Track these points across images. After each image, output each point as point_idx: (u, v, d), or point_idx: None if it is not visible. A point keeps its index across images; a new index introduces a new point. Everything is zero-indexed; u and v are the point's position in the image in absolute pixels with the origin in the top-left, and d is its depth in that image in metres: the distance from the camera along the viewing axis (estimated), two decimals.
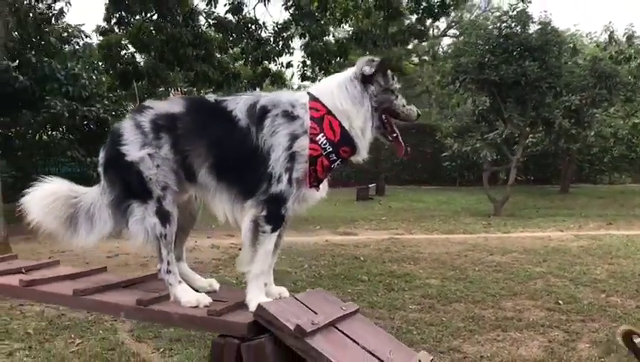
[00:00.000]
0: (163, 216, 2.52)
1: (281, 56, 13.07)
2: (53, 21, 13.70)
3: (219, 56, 13.50)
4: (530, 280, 8.54)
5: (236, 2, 12.49)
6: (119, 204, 2.57)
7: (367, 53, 13.95)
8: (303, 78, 13.29)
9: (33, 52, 14.57)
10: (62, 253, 11.74)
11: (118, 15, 12.90)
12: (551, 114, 16.73)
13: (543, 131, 19.48)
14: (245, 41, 12.88)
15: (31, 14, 12.58)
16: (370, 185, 24.86)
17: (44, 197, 2.67)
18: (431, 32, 36.11)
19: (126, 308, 2.46)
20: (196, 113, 2.58)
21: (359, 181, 28.11)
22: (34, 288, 2.71)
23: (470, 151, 17.25)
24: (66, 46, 16.37)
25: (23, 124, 15.58)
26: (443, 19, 31.32)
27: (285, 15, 12.76)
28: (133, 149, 2.54)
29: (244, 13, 12.72)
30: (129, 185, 2.54)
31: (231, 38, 13.16)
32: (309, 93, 2.60)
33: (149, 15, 12.37)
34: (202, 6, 12.76)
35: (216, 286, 2.77)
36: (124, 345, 6.12)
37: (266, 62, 13.20)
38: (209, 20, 12.97)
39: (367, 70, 2.55)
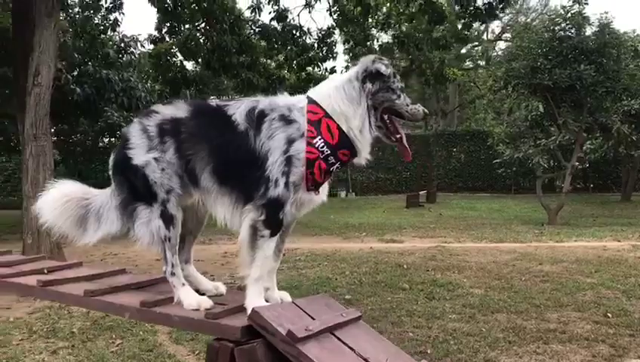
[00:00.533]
0: (167, 219, 2.56)
1: (325, 61, 13.14)
2: (109, 32, 14.22)
3: (264, 62, 13.68)
4: (578, 291, 8.20)
5: (281, 10, 12.65)
6: (126, 205, 2.64)
7: (410, 57, 14.01)
8: None
9: (91, 62, 15.11)
10: (114, 255, 12.17)
11: (169, 24, 13.28)
12: (608, 119, 16.08)
13: (600, 137, 18.75)
14: (289, 47, 13.00)
15: (88, 26, 13.11)
16: (420, 192, 24.53)
17: (57, 199, 2.77)
18: (485, 35, 35.50)
19: (130, 309, 2.51)
20: (199, 118, 2.61)
21: (410, 188, 27.85)
22: (49, 288, 2.80)
23: (523, 157, 16.78)
24: (123, 56, 16.94)
25: (81, 131, 16.22)
26: (498, 22, 30.75)
27: (329, 21, 12.85)
28: (139, 153, 2.60)
29: (288, 21, 12.86)
30: (135, 188, 2.60)
31: (276, 45, 13.32)
32: (308, 96, 2.59)
33: (196, 24, 12.69)
34: (247, 14, 12.98)
35: (223, 289, 2.78)
36: (161, 346, 6.26)
37: (309, 67, 13.29)
38: (254, 28, 13.17)
39: (384, 69, 2.52)
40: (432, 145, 30.03)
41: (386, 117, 2.60)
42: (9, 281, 2.97)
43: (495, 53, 33.40)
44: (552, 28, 16.83)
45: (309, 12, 12.61)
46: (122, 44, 15.90)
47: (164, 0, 11.75)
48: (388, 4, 12.02)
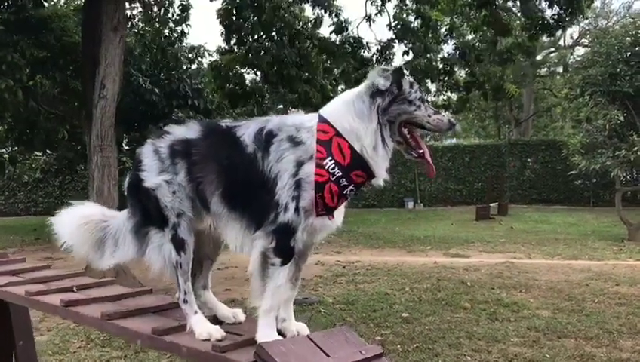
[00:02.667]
0: (178, 244, 2.45)
1: None
2: (177, 44, 14.59)
3: (322, 78, 13.54)
4: None
5: (340, 22, 12.51)
6: (139, 229, 2.56)
7: (470, 69, 13.47)
8: None
9: (163, 72, 15.49)
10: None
11: (237, 36, 13.45)
12: None
13: None
14: (346, 62, 12.81)
15: (157, 39, 13.53)
16: (491, 204, 23.64)
17: (76, 221, 2.71)
18: (562, 41, 34.04)
19: (142, 336, 2.41)
20: (209, 139, 2.49)
21: (481, 199, 26.97)
22: (70, 308, 2.76)
23: (600, 169, 15.82)
24: (192, 65, 17.31)
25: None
26: (575, 27, 29.45)
27: (389, 34, 12.57)
28: (151, 175, 2.51)
29: (347, 33, 12.70)
30: (148, 212, 2.51)
31: (333, 59, 13.17)
32: (319, 114, 2.42)
33: (257, 37, 12.78)
34: (310, 26, 12.93)
35: (242, 317, 2.63)
36: None
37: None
38: (313, 41, 13.08)
39: (382, 83, 2.33)
40: (504, 155, 29.00)
41: (405, 130, 2.39)
42: (35, 299, 2.96)
43: (573, 60, 31.93)
44: (634, 32, 15.84)
45: (369, 25, 12.41)
46: (191, 55, 16.31)
47: (229, 16, 11.95)
48: (449, 19, 11.68)
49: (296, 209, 2.24)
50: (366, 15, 12.46)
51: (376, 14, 12.48)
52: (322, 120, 2.36)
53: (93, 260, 2.74)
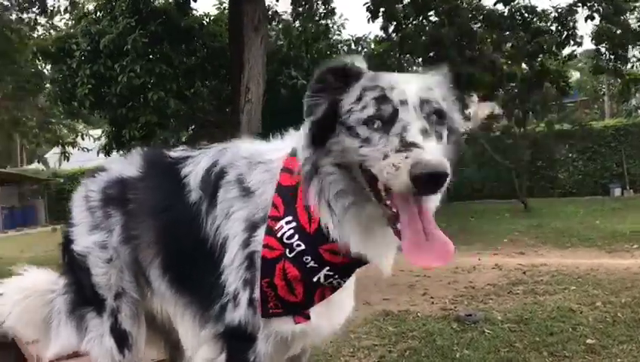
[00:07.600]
0: (119, 338, 1.69)
1: (564, 47, 10.78)
2: (321, 38, 14.08)
3: (490, 55, 11.93)
4: None
5: None
6: (74, 310, 1.84)
7: None
8: (596, 71, 10.69)
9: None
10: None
11: (395, 23, 12.55)
12: None
13: None
14: (518, 34, 11.02)
15: (302, 35, 13.16)
16: None
17: (16, 296, 2.03)
18: None
19: None
20: (149, 178, 1.69)
21: None
22: None
23: None
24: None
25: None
26: None
27: None
28: (80, 234, 1.79)
29: (516, 2, 10.97)
30: (81, 286, 1.78)
31: (501, 33, 11.47)
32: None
33: (412, 19, 11.69)
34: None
35: None
36: None
37: (541, 55, 11.08)
38: (477, 15, 11.55)
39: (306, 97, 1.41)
40: None
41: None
42: None
43: None
44: None
45: None
46: (353, 46, 15.73)
47: (379, 5, 11.10)
48: None
49: (250, 302, 1.34)
50: None
51: None
52: (294, 152, 1.44)
53: (44, 344, 2.08)
